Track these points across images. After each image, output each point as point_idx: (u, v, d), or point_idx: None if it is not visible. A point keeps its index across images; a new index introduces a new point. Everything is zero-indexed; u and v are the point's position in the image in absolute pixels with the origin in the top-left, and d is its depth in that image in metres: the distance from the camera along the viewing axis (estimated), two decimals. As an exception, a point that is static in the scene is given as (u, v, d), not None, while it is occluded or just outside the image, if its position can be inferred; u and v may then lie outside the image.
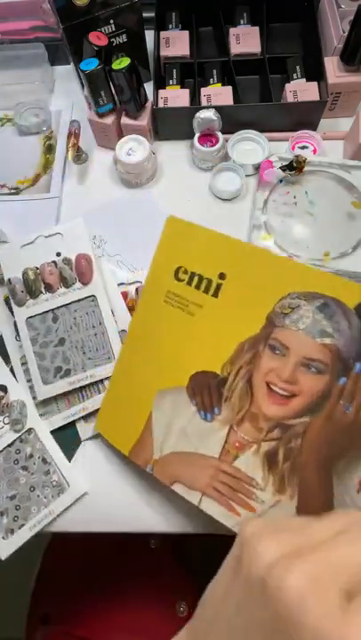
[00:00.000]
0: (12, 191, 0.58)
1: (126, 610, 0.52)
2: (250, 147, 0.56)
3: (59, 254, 0.48)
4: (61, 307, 0.47)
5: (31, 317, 0.47)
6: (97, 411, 0.46)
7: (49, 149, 0.60)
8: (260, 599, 0.19)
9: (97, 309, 0.47)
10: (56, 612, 0.54)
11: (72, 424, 0.47)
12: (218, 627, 0.22)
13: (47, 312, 0.47)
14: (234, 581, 0.21)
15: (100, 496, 0.45)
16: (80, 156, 0.58)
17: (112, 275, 0.49)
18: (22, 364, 0.48)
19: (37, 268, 0.48)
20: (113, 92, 0.52)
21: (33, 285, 0.47)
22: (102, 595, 0.53)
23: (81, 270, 0.47)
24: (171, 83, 0.58)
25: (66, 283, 0.47)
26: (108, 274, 0.49)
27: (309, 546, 0.19)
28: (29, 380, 0.47)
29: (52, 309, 0.47)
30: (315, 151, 0.56)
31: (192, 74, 0.59)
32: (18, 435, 0.46)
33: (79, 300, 0.47)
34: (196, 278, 0.41)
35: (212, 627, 0.22)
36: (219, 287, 0.40)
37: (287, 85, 0.56)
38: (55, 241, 0.49)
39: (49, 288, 0.47)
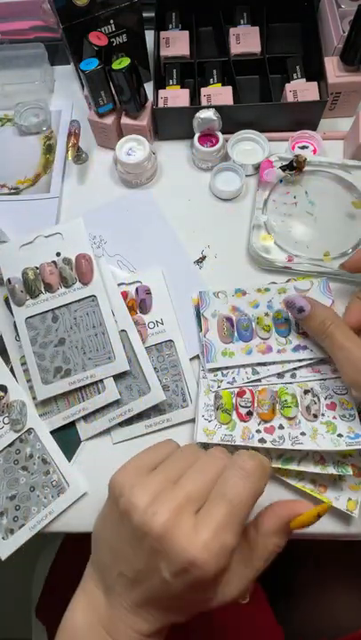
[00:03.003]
0: (12, 191, 0.58)
1: None
2: (250, 147, 0.56)
3: (58, 254, 0.48)
4: (61, 307, 0.47)
5: (31, 317, 0.47)
6: (97, 411, 0.46)
7: (49, 149, 0.60)
8: (136, 533, 0.27)
9: (97, 309, 0.47)
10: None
11: (72, 424, 0.47)
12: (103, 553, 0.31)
13: (47, 312, 0.47)
14: (115, 519, 0.29)
15: (100, 496, 0.44)
16: (80, 156, 0.58)
17: (112, 275, 0.49)
18: (22, 364, 0.48)
19: (37, 268, 0.48)
20: (113, 91, 0.52)
21: (33, 285, 0.47)
22: None
23: (81, 270, 0.47)
24: (171, 83, 0.58)
25: (66, 283, 0.47)
26: (107, 274, 0.49)
27: (168, 486, 0.28)
28: (29, 380, 0.47)
29: (52, 309, 0.47)
30: (315, 151, 0.56)
31: (192, 74, 0.59)
32: (18, 435, 0.46)
33: (79, 300, 0.47)
34: None
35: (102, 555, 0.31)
36: None
37: (287, 85, 0.56)
38: (55, 241, 0.49)
39: (49, 288, 0.47)
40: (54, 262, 0.48)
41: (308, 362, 0.44)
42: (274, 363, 0.45)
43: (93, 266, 0.48)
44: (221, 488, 0.28)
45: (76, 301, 0.47)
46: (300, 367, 0.45)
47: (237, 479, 0.28)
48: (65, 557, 0.61)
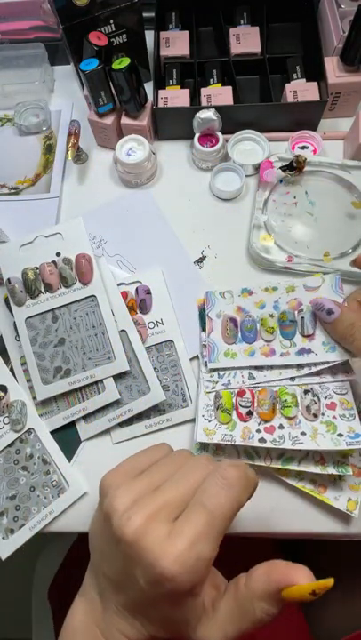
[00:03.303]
0: (12, 191, 0.58)
1: None
2: (250, 147, 0.57)
3: (58, 254, 0.48)
4: (61, 307, 0.47)
5: (31, 317, 0.47)
6: (97, 411, 0.46)
7: (49, 149, 0.60)
8: (114, 536, 0.26)
9: (97, 309, 0.47)
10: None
11: (72, 424, 0.47)
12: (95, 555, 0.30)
13: (47, 312, 0.47)
14: (101, 520, 0.29)
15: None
16: (80, 156, 0.58)
17: (112, 275, 0.49)
18: (22, 363, 0.48)
19: (37, 268, 0.48)
20: (113, 91, 0.52)
21: (33, 285, 0.47)
22: None
23: (81, 270, 0.47)
24: (171, 83, 0.58)
25: (66, 283, 0.47)
26: (107, 274, 0.49)
27: (149, 491, 0.28)
28: (29, 380, 0.47)
29: (52, 309, 0.47)
30: (315, 151, 0.56)
31: (192, 74, 0.59)
32: (18, 435, 0.46)
33: (79, 300, 0.47)
34: None
35: (94, 555, 0.31)
36: None
37: (287, 85, 0.56)
38: (55, 241, 0.49)
39: (49, 288, 0.47)
40: (54, 262, 0.48)
41: (307, 371, 0.43)
42: (272, 367, 0.44)
43: (93, 266, 0.48)
44: (201, 496, 0.27)
45: (75, 301, 0.47)
46: (298, 377, 0.44)
47: (218, 488, 0.27)
48: (80, 544, 0.62)
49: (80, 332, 0.47)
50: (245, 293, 0.48)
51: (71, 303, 0.47)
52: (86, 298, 0.47)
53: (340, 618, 0.54)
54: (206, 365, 0.46)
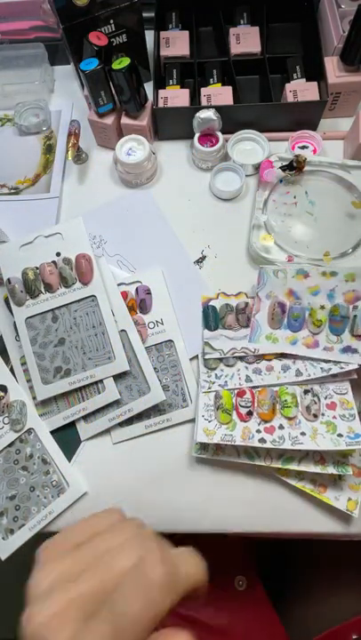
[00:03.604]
0: (12, 191, 0.58)
1: None
2: (250, 147, 0.56)
3: (58, 254, 0.48)
4: (61, 307, 0.47)
5: (31, 317, 0.47)
6: (97, 411, 0.46)
7: (49, 149, 0.60)
8: (23, 620, 0.23)
9: (97, 309, 0.47)
10: None
11: (72, 424, 0.47)
12: None
13: (47, 312, 0.47)
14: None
15: (100, 496, 0.45)
16: (80, 156, 0.58)
17: (112, 275, 0.49)
18: (22, 363, 0.48)
19: (37, 268, 0.48)
20: (113, 91, 0.52)
21: (33, 285, 0.47)
22: None
23: (81, 270, 0.47)
24: (171, 83, 0.58)
25: (66, 283, 0.47)
26: (107, 274, 0.49)
27: (69, 578, 0.24)
28: (29, 380, 0.47)
29: (52, 309, 0.47)
30: (315, 151, 0.56)
31: (192, 74, 0.59)
32: (18, 435, 0.46)
33: (79, 300, 0.47)
34: None
35: None
36: None
37: (287, 85, 0.56)
38: (55, 241, 0.49)
39: (49, 288, 0.47)
40: (54, 262, 0.48)
41: (306, 377, 0.43)
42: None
43: (93, 266, 0.48)
44: (114, 600, 0.23)
45: (75, 301, 0.47)
46: (291, 383, 0.44)
47: (135, 591, 0.23)
48: None
49: (80, 331, 0.47)
50: (300, 275, 0.45)
51: (71, 303, 0.47)
52: (86, 298, 0.47)
53: (312, 619, 0.54)
54: (250, 341, 0.44)
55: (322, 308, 0.44)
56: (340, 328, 0.43)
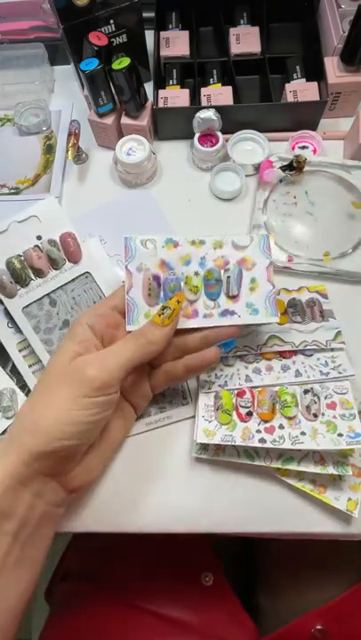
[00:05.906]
0: (12, 191, 0.58)
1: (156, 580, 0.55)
2: (250, 147, 0.57)
3: (39, 237, 0.47)
4: (57, 289, 0.47)
5: (27, 306, 0.46)
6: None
7: (49, 149, 0.60)
8: None
9: (94, 285, 0.47)
10: (77, 570, 0.57)
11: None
12: None
13: (42, 298, 0.47)
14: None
15: (99, 495, 0.44)
16: (80, 156, 0.58)
17: (101, 248, 0.49)
18: (19, 350, 0.47)
19: (20, 256, 0.46)
20: (113, 91, 0.52)
21: (22, 274, 0.46)
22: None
23: (69, 249, 0.46)
24: (171, 83, 0.58)
25: (56, 265, 0.47)
26: (95, 249, 0.48)
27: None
28: (31, 365, 0.47)
29: (48, 294, 0.47)
30: (315, 151, 0.56)
31: (192, 74, 0.59)
32: (10, 423, 0.45)
33: (73, 280, 0.47)
34: None
35: None
36: None
37: (287, 85, 0.56)
38: (32, 224, 0.47)
39: (39, 273, 0.46)
40: (38, 246, 0.47)
41: (305, 378, 0.43)
42: (271, 369, 0.44)
43: (80, 243, 0.47)
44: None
45: (70, 281, 0.47)
46: (291, 383, 0.44)
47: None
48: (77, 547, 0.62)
49: (82, 310, 0.46)
50: (170, 245, 0.43)
51: (66, 284, 0.47)
52: (80, 276, 0.47)
53: (277, 612, 0.55)
54: (129, 324, 0.41)
55: (196, 274, 0.43)
56: (216, 292, 0.42)
